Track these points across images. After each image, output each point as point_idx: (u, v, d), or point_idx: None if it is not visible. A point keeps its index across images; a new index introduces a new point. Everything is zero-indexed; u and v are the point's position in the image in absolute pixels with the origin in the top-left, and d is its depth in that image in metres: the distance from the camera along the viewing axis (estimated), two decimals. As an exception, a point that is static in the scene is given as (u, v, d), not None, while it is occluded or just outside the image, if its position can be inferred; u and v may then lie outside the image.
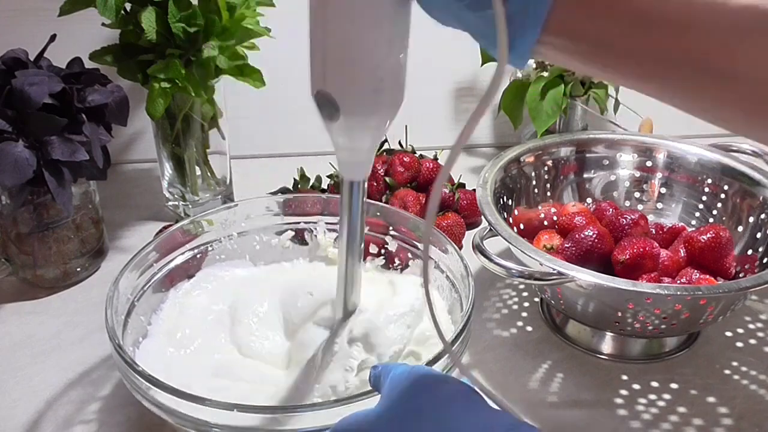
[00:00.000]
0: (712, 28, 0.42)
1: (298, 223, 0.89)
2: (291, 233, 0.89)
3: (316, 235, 0.88)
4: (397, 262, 0.86)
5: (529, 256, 0.75)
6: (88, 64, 0.92)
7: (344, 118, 0.57)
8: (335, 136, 0.60)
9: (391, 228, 0.86)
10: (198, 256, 0.84)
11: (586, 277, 0.72)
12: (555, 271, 0.73)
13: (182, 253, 0.83)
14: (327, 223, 0.88)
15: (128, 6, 0.92)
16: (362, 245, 0.68)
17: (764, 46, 0.41)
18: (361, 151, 0.61)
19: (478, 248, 0.75)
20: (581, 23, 0.44)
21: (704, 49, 0.42)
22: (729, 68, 0.42)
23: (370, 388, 0.59)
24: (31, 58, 0.89)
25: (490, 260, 0.74)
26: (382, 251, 0.87)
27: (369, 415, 0.52)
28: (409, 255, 0.85)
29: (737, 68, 0.42)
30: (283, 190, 1.04)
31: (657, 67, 0.44)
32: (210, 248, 0.85)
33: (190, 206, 1.06)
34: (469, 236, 1.00)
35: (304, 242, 0.89)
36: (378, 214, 0.86)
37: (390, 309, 0.73)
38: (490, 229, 0.80)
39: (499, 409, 0.51)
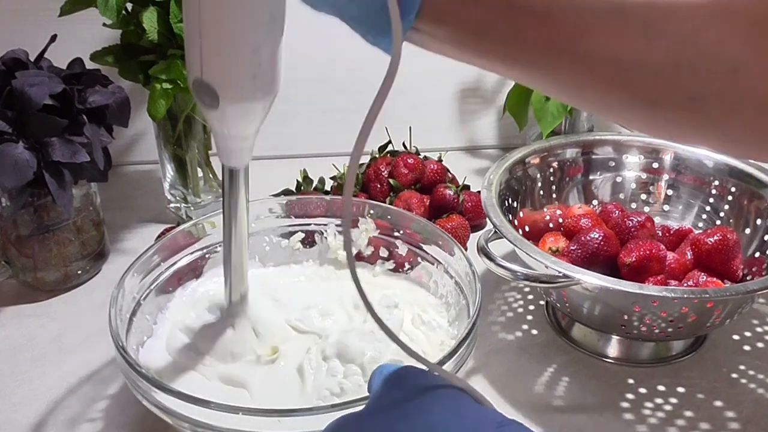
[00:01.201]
0: (571, 15, 0.45)
1: (308, 225, 0.89)
2: (301, 235, 0.88)
3: (326, 237, 0.87)
4: (407, 266, 0.86)
5: (535, 259, 0.75)
6: (89, 65, 0.92)
7: (224, 106, 0.58)
8: (215, 124, 0.61)
9: (395, 230, 0.86)
10: (206, 256, 0.84)
11: (592, 280, 0.71)
12: (561, 274, 0.72)
13: (191, 253, 0.83)
14: (337, 225, 0.88)
15: (129, 6, 0.91)
16: (247, 234, 0.69)
17: (615, 28, 0.45)
18: (240, 138, 0.62)
19: (483, 251, 0.75)
20: (455, 11, 0.46)
21: (564, 34, 0.45)
22: (588, 51, 0.45)
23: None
24: (32, 59, 0.88)
25: (495, 263, 0.73)
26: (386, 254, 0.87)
27: (356, 416, 0.52)
28: (418, 258, 0.85)
29: (594, 51, 0.45)
30: (286, 192, 1.04)
31: (525, 54, 0.46)
32: (217, 248, 0.85)
33: (191, 208, 1.05)
34: (474, 238, 0.99)
35: (312, 244, 0.89)
36: (389, 217, 0.86)
37: (359, 323, 0.74)
38: (495, 232, 0.79)
39: (487, 408, 0.50)
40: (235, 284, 0.72)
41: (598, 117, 1.20)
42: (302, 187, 1.05)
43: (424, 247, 0.84)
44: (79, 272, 0.94)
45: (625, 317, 0.74)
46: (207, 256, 0.84)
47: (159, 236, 0.90)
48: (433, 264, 0.83)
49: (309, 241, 0.89)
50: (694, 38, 0.45)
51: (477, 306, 0.70)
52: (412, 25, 0.46)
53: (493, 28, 0.46)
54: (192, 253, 0.83)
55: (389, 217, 0.86)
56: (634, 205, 0.97)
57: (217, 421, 0.61)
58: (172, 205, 1.08)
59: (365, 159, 1.08)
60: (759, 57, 0.44)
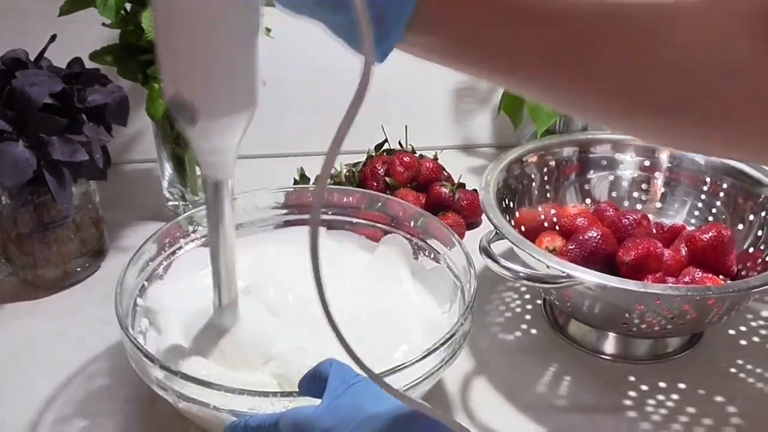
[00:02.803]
0: (572, 22, 0.44)
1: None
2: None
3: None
4: (421, 254, 0.87)
5: (537, 260, 0.75)
6: (89, 64, 0.92)
7: (202, 122, 0.56)
8: (195, 140, 0.60)
9: (393, 222, 0.88)
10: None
11: (595, 279, 0.72)
12: (564, 274, 0.72)
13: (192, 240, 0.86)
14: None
15: (128, 6, 0.92)
16: (233, 245, 0.69)
17: (617, 35, 0.44)
18: (222, 151, 0.62)
19: (486, 251, 0.75)
20: (444, 22, 0.45)
21: (564, 42, 0.44)
22: (588, 59, 0.45)
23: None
24: (32, 58, 0.88)
25: (498, 263, 0.74)
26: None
27: (314, 411, 0.55)
28: (419, 252, 0.87)
29: (595, 58, 0.44)
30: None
31: (522, 63, 0.46)
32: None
33: (190, 206, 1.05)
34: (469, 236, 1.00)
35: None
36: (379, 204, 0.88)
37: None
38: (497, 233, 0.80)
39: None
40: (224, 291, 0.72)
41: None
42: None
43: (425, 240, 0.86)
44: (79, 270, 0.94)
45: (626, 315, 0.75)
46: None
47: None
48: (431, 256, 0.85)
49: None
50: (698, 42, 0.44)
51: (473, 293, 0.72)
52: (400, 38, 0.45)
53: (489, 37, 0.45)
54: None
55: (389, 209, 0.88)
56: (626, 204, 0.98)
57: (220, 402, 0.62)
58: (170, 203, 1.08)
59: (362, 157, 1.09)
60: (762, 58, 0.44)
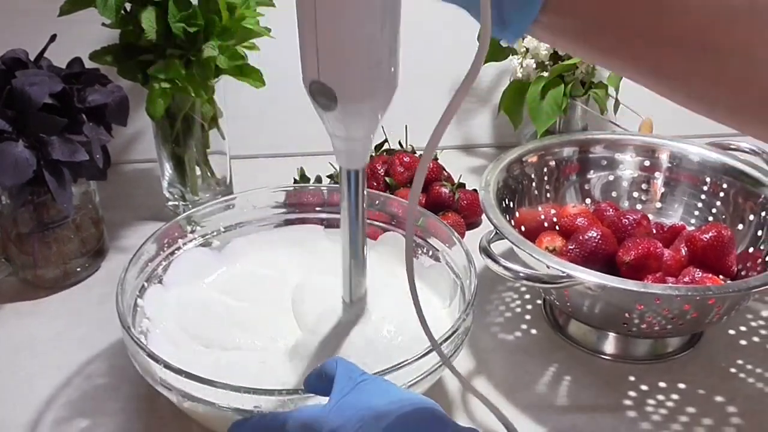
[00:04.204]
0: (710, 9, 0.42)
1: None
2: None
3: None
4: (419, 252, 0.87)
5: (537, 260, 0.75)
6: (89, 64, 0.92)
7: (341, 107, 0.56)
8: (331, 126, 0.60)
9: (393, 221, 0.88)
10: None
11: (595, 279, 0.72)
12: (564, 274, 0.72)
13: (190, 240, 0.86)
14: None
15: (128, 6, 0.92)
16: (365, 234, 0.68)
17: (756, 26, 0.42)
18: (357, 139, 0.61)
19: (486, 251, 0.75)
20: (580, 2, 0.44)
21: (700, 29, 0.42)
22: (723, 48, 0.42)
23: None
24: (31, 58, 0.88)
25: (498, 263, 0.74)
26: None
27: (322, 410, 0.55)
28: (419, 250, 0.87)
29: (731, 48, 0.42)
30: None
31: (652, 48, 0.44)
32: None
33: (190, 206, 1.05)
34: (469, 236, 1.00)
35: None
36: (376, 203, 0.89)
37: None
38: (496, 233, 0.80)
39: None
40: (355, 283, 0.72)
41: (592, 117, 1.21)
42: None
43: (425, 238, 0.86)
44: (79, 269, 0.94)
45: (627, 315, 0.75)
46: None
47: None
48: (430, 254, 0.85)
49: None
50: None
51: (474, 289, 0.72)
52: (535, 17, 0.44)
53: (623, 20, 0.43)
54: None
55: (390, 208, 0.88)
56: (626, 204, 0.98)
57: (219, 399, 0.63)
58: (170, 203, 1.08)
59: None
60: None
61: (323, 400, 0.57)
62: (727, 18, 0.42)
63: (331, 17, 0.53)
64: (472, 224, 1.05)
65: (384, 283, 0.79)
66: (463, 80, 0.46)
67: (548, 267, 0.74)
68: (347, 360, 0.59)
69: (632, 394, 0.78)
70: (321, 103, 0.57)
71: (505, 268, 0.73)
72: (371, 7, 0.53)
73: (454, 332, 0.68)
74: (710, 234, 0.84)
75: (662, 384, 0.79)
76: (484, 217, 1.01)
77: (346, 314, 0.74)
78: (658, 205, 0.97)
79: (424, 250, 0.86)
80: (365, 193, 0.66)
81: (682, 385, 0.79)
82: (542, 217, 0.94)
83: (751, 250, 0.87)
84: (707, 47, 0.43)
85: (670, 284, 0.79)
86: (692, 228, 0.92)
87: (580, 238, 0.84)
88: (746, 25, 0.42)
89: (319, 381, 0.59)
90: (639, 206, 0.97)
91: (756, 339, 0.86)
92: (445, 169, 1.08)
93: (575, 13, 0.44)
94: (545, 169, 0.96)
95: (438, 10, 1.27)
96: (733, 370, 0.81)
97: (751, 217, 0.88)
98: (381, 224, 0.89)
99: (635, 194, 0.98)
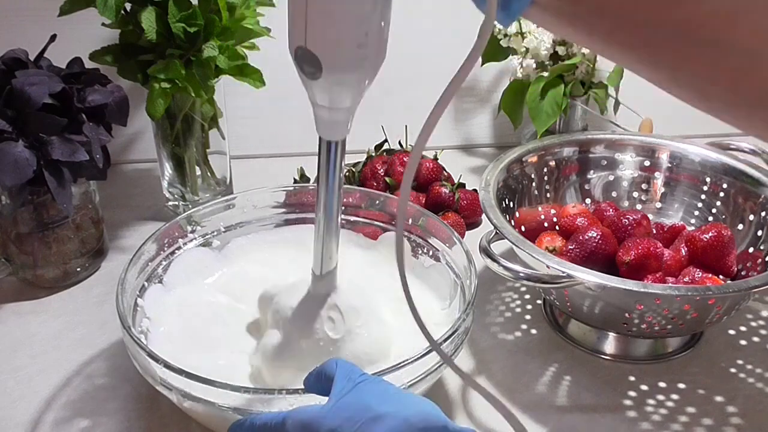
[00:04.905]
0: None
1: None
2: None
3: None
4: (420, 252, 0.87)
5: (537, 260, 0.75)
6: (88, 64, 0.92)
7: (326, 76, 0.56)
8: (315, 94, 0.59)
9: (393, 221, 0.88)
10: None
11: (595, 279, 0.72)
12: (564, 274, 0.72)
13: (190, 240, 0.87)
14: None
15: (128, 6, 0.92)
16: (340, 207, 0.67)
17: (761, 17, 0.41)
18: (340, 109, 0.60)
19: (486, 251, 0.75)
20: None
21: (700, 18, 0.41)
22: (723, 39, 0.41)
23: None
24: (31, 58, 0.88)
25: (498, 263, 0.74)
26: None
27: (321, 410, 0.55)
28: (419, 250, 0.87)
29: (732, 38, 0.41)
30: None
31: (652, 36, 0.43)
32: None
33: (190, 206, 1.05)
34: (469, 236, 1.00)
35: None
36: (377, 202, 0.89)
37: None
38: (496, 233, 0.80)
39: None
40: (325, 258, 0.70)
41: (592, 117, 1.21)
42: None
43: (425, 238, 0.86)
44: (79, 269, 0.94)
45: (626, 315, 0.75)
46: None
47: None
48: (430, 254, 0.85)
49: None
50: None
51: (474, 289, 0.72)
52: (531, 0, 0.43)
53: (621, 6, 0.42)
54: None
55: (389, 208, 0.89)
56: (626, 204, 0.98)
57: (219, 398, 0.63)
58: (170, 203, 1.08)
59: (361, 157, 1.09)
60: None
61: (323, 399, 0.57)
62: (730, 9, 0.41)
63: None
64: (472, 224, 1.05)
65: (383, 283, 0.79)
66: (461, 65, 0.45)
67: (548, 267, 0.74)
68: (346, 361, 0.59)
69: (632, 394, 0.78)
70: (306, 71, 0.57)
71: (505, 268, 0.73)
72: None
73: (454, 332, 0.68)
74: (710, 234, 0.84)
75: (662, 384, 0.79)
76: (484, 217, 1.01)
77: (315, 287, 0.72)
78: (658, 205, 0.97)
79: (424, 250, 0.86)
80: (342, 165, 0.65)
81: (682, 385, 0.79)
82: (542, 217, 0.94)
83: (751, 250, 0.87)
84: (708, 38, 0.42)
85: (670, 284, 0.79)
86: (692, 228, 0.92)
87: (580, 238, 0.84)
88: (750, 18, 0.41)
89: (318, 381, 0.59)
90: (639, 206, 0.97)
91: (756, 339, 0.86)
92: (445, 169, 1.08)
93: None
94: (545, 169, 0.96)
95: (439, 8, 1.27)
96: (733, 370, 0.82)
97: (751, 217, 0.88)
98: (381, 224, 0.89)
99: (635, 194, 0.98)
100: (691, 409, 0.76)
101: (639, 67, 0.46)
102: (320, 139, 0.63)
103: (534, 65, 1.13)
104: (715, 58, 0.42)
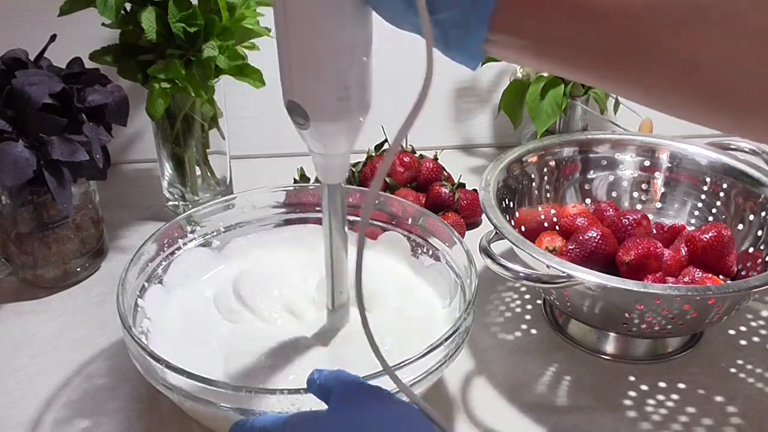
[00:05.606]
0: (650, 19, 0.43)
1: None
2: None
3: None
4: (420, 251, 0.87)
5: (537, 260, 0.75)
6: (88, 64, 0.92)
7: (313, 126, 0.60)
8: (309, 142, 0.63)
9: (393, 220, 0.88)
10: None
11: (595, 279, 0.72)
12: (564, 274, 0.72)
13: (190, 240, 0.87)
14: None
15: (128, 6, 0.92)
16: (347, 244, 0.71)
17: (700, 32, 0.42)
18: (335, 155, 0.64)
19: (486, 251, 0.75)
20: (526, 20, 0.45)
21: (639, 37, 0.43)
22: (664, 53, 0.43)
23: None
24: (31, 58, 0.88)
25: (498, 263, 0.74)
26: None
27: (322, 414, 0.55)
28: (418, 249, 0.87)
29: (672, 52, 0.43)
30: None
31: (600, 59, 0.45)
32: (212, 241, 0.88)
33: (190, 206, 1.05)
34: (469, 236, 1.00)
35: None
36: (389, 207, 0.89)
37: None
38: (496, 233, 0.80)
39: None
40: (336, 293, 0.74)
41: (592, 117, 1.21)
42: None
43: (425, 237, 0.86)
44: (79, 269, 0.94)
45: (626, 315, 0.75)
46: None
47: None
48: (430, 254, 0.85)
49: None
50: None
51: (474, 288, 0.73)
52: (485, 37, 0.46)
53: (567, 35, 0.45)
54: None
55: (389, 207, 0.89)
56: (626, 204, 0.98)
57: (220, 399, 0.63)
58: (170, 203, 1.08)
59: (361, 157, 1.09)
60: None
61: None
62: (665, 22, 0.43)
63: (301, 42, 0.56)
64: (472, 224, 1.05)
65: (383, 282, 0.80)
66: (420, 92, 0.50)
67: (548, 267, 0.74)
68: (345, 372, 0.59)
69: (632, 394, 0.78)
70: (296, 121, 0.61)
71: (505, 268, 0.73)
72: (341, 32, 0.56)
73: (455, 332, 0.68)
74: (710, 234, 0.84)
75: (662, 384, 0.79)
76: (484, 217, 1.01)
77: (330, 321, 0.76)
78: (658, 205, 0.97)
79: (424, 250, 0.86)
80: (343, 207, 0.69)
81: (682, 385, 0.79)
82: (542, 217, 0.94)
83: (751, 250, 0.87)
84: (649, 55, 0.43)
85: (670, 284, 0.79)
86: (692, 228, 0.92)
87: (580, 238, 0.84)
88: (691, 29, 0.42)
89: (319, 388, 0.59)
90: (639, 206, 0.97)
91: (756, 339, 0.86)
92: (445, 169, 1.08)
93: (522, 31, 0.46)
94: (545, 169, 0.96)
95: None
96: (733, 370, 0.82)
97: (751, 217, 0.88)
98: (381, 224, 0.89)
99: (635, 194, 0.98)
100: (691, 409, 0.76)
101: (606, 86, 0.49)
102: (322, 183, 0.68)
103: (534, 65, 1.13)
104: (664, 70, 0.44)
